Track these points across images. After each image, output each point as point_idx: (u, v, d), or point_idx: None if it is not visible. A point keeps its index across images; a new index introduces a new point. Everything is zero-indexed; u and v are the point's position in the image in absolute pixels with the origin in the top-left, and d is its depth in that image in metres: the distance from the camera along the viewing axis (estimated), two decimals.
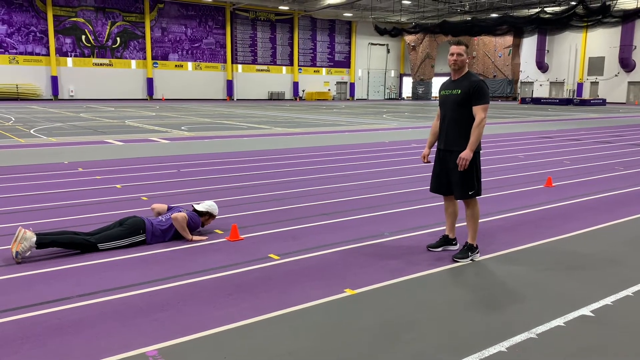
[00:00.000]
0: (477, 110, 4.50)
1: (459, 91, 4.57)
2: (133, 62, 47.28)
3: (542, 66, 54.94)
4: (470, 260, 4.67)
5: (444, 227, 5.72)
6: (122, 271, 4.37)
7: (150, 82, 47.82)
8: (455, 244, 5.02)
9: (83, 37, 44.68)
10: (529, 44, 55.25)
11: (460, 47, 4.58)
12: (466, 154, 4.46)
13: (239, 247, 5.02)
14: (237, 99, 52.00)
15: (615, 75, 49.75)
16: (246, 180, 8.60)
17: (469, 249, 4.72)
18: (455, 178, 4.65)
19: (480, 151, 4.68)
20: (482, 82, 4.58)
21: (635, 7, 34.98)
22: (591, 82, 51.79)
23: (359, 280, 4.18)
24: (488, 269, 4.50)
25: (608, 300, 3.82)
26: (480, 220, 6.01)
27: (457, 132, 4.60)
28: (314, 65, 57.97)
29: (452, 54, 4.60)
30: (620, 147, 13.82)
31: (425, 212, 6.52)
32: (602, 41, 49.85)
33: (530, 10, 41.17)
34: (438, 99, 4.93)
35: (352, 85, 60.59)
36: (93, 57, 45.38)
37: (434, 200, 7.13)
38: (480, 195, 4.74)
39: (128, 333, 3.27)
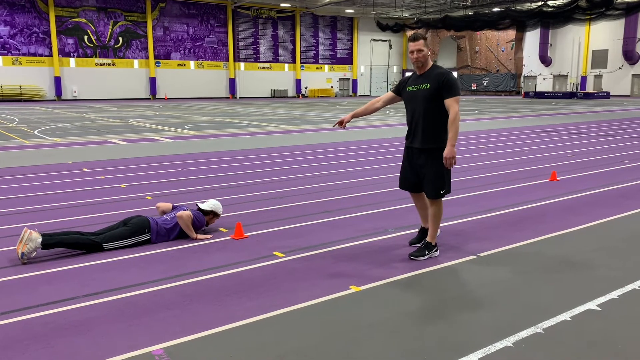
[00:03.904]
0: (450, 103, 4.34)
1: (428, 85, 4.42)
2: (135, 62, 47.34)
3: (545, 60, 54.74)
4: (428, 258, 4.61)
5: (447, 224, 5.72)
6: (128, 271, 4.38)
7: (152, 81, 47.87)
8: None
9: (85, 37, 44.75)
10: (532, 37, 55.04)
11: (418, 42, 4.42)
12: (449, 152, 4.32)
13: (243, 245, 5.02)
14: (239, 97, 52.00)
15: (619, 68, 49.53)
16: (250, 178, 8.60)
17: (426, 247, 4.64)
18: (429, 176, 4.54)
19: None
20: (450, 73, 4.45)
21: None
22: (595, 75, 51.59)
23: (363, 277, 4.18)
24: (493, 264, 4.49)
25: (614, 294, 3.80)
26: (486, 215, 6.03)
27: (431, 129, 4.47)
28: (316, 62, 57.90)
29: (412, 52, 4.47)
30: (625, 140, 13.76)
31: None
32: (605, 34, 49.63)
33: (533, 4, 40.98)
34: (394, 90, 4.82)
35: (355, 81, 60.50)
36: (96, 57, 45.46)
37: None
38: (449, 193, 4.67)
39: (134, 332, 3.28)
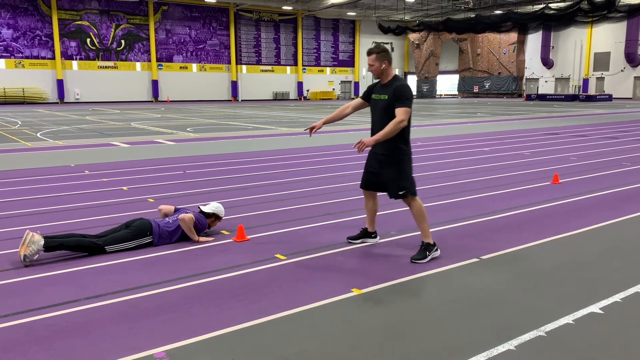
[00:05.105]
0: (398, 112, 4.49)
1: (386, 97, 4.62)
2: (138, 65, 47.43)
3: (547, 62, 54.70)
4: (430, 258, 4.62)
5: (449, 226, 5.73)
6: (129, 273, 4.38)
7: (155, 84, 47.97)
8: (375, 237, 5.14)
9: (88, 40, 44.88)
10: (534, 40, 55.02)
11: (370, 57, 4.67)
12: (367, 140, 4.45)
13: (245, 248, 5.02)
14: (241, 100, 52.07)
15: (621, 71, 49.45)
16: (252, 180, 8.61)
17: (426, 248, 4.67)
18: (386, 179, 4.70)
19: (411, 154, 4.72)
20: (405, 86, 4.62)
21: None
22: (597, 78, 51.52)
23: (365, 280, 4.17)
24: (495, 267, 4.48)
25: (617, 297, 3.79)
26: (488, 218, 6.02)
27: (389, 137, 4.59)
28: (318, 64, 57.95)
29: (368, 65, 4.72)
30: (627, 143, 13.74)
31: (429, 211, 6.48)
32: (607, 36, 49.57)
33: (535, 7, 40.99)
34: (363, 96, 4.96)
35: (357, 84, 60.54)
36: (98, 60, 45.57)
37: (437, 199, 7.12)
38: (414, 194, 4.69)
39: (136, 335, 3.28)
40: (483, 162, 10.45)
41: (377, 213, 5.15)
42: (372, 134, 4.76)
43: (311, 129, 5.01)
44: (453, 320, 3.46)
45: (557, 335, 3.23)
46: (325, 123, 5.02)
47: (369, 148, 4.71)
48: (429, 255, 4.63)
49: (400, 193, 4.65)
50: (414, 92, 63.36)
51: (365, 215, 5.18)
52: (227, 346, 3.14)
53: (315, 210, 6.53)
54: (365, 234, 5.16)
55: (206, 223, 5.37)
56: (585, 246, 5.05)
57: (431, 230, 5.55)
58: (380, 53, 4.65)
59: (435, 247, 4.71)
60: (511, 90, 57.55)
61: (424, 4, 47.18)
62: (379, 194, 5.04)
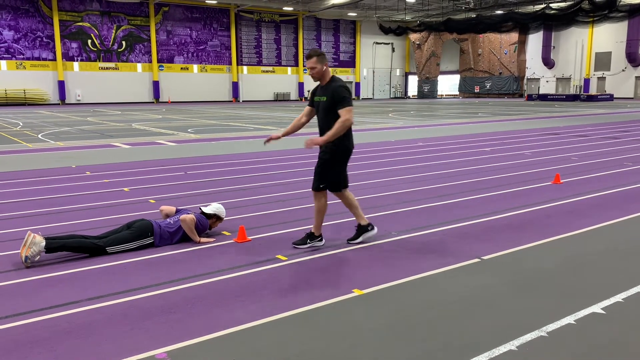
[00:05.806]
0: (342, 113, 4.74)
1: (325, 98, 4.86)
2: (139, 66, 47.48)
3: (548, 62, 54.67)
4: (310, 246, 4.96)
5: (450, 227, 5.73)
6: (131, 274, 4.38)
7: (156, 85, 48.01)
8: (372, 229, 5.17)
9: (89, 41, 44.94)
10: (535, 40, 55.00)
11: (310, 60, 4.86)
12: (316, 138, 4.75)
13: (246, 249, 5.03)
14: (242, 101, 52.10)
15: (623, 71, 49.42)
16: (253, 181, 8.61)
17: (308, 237, 5.02)
18: (315, 170, 4.98)
19: (351, 152, 4.97)
20: (342, 86, 4.85)
21: None
22: (598, 78, 51.48)
23: (367, 281, 4.17)
24: (496, 267, 4.48)
25: (619, 297, 3.79)
26: (489, 218, 6.02)
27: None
28: None
29: (309, 69, 4.92)
30: (629, 143, 13.72)
31: (431, 211, 6.50)
32: (608, 36, 49.55)
33: (536, 7, 40.97)
34: (309, 102, 5.24)
35: (358, 84, 60.54)
36: (99, 61, 45.62)
37: (438, 199, 7.12)
38: (326, 189, 4.96)
39: (137, 336, 3.28)
40: (484, 162, 10.44)
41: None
42: (321, 134, 4.96)
43: (270, 138, 5.14)
44: (454, 320, 3.45)
45: (558, 335, 3.23)
46: (284, 135, 5.25)
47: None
48: (309, 243, 4.96)
49: (321, 186, 4.91)
50: (415, 93, 63.55)
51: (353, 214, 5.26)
52: (228, 347, 3.14)
53: None
54: (360, 229, 5.15)
55: (207, 224, 5.37)
56: (587, 246, 5.04)
57: (433, 230, 5.58)
58: (320, 56, 4.87)
59: (319, 239, 5.03)
60: (512, 91, 57.52)
61: (425, 4, 47.18)
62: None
